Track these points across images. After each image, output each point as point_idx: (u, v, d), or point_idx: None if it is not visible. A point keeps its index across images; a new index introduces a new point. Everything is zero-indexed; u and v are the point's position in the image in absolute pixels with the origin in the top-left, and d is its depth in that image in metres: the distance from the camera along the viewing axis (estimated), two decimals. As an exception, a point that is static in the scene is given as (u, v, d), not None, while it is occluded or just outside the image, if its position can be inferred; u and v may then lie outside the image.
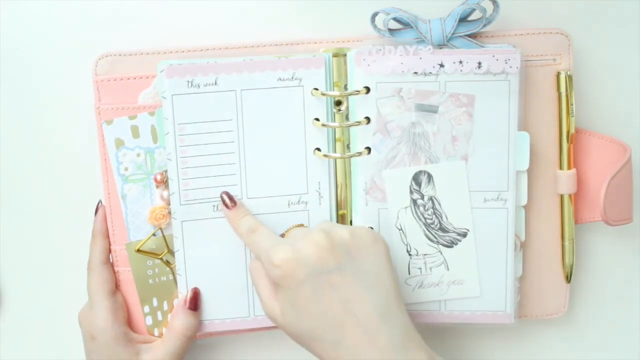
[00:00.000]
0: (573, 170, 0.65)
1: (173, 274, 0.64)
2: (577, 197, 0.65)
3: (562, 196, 0.65)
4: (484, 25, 0.62)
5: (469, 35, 0.63)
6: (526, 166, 0.64)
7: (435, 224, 0.64)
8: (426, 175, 0.64)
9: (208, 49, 0.63)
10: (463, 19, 0.62)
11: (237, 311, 0.64)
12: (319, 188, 0.63)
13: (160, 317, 0.64)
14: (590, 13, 0.65)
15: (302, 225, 0.63)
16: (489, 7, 0.62)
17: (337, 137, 0.64)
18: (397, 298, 0.56)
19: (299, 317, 0.56)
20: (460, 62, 0.62)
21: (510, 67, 0.61)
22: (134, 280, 0.64)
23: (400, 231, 0.64)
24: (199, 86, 0.61)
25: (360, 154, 0.63)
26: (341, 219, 0.65)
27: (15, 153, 0.67)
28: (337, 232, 0.56)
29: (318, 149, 0.63)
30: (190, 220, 0.62)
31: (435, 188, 0.64)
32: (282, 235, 0.61)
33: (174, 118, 0.61)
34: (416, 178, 0.64)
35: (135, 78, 0.62)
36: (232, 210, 0.62)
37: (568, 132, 0.64)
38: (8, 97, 0.66)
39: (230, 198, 0.62)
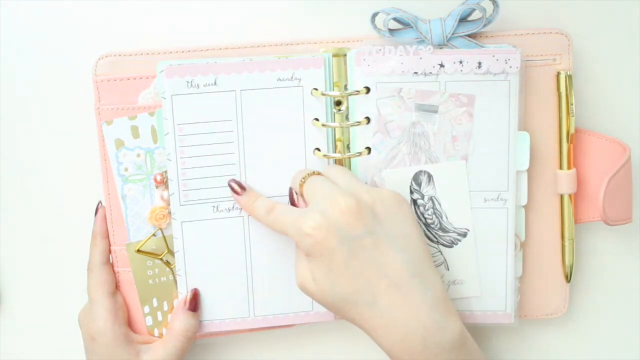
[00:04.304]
0: (573, 170, 0.64)
1: (173, 274, 0.64)
2: (577, 197, 0.65)
3: (562, 196, 0.65)
4: (484, 25, 0.62)
5: (469, 35, 0.63)
6: (526, 166, 0.63)
7: (435, 223, 0.64)
8: (426, 175, 0.64)
9: (208, 49, 0.63)
10: (463, 19, 0.62)
11: (237, 311, 0.64)
12: None
13: (160, 318, 0.64)
14: (590, 13, 0.65)
15: (318, 173, 0.61)
16: (489, 7, 0.62)
17: (337, 137, 0.63)
18: (428, 259, 0.57)
19: (333, 283, 0.56)
20: (461, 62, 0.62)
21: (510, 67, 0.61)
22: (134, 281, 0.63)
23: (401, 231, 0.64)
24: (198, 86, 0.61)
25: (360, 154, 0.63)
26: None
27: (15, 153, 0.67)
28: (361, 196, 0.57)
29: (318, 149, 0.63)
30: (190, 221, 0.62)
31: (436, 188, 0.64)
32: (301, 185, 0.60)
33: (173, 118, 0.61)
34: (416, 178, 0.64)
35: (135, 78, 0.62)
36: (242, 196, 0.62)
37: (568, 132, 0.64)
38: (7, 96, 0.66)
39: (239, 184, 0.62)
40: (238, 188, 0.62)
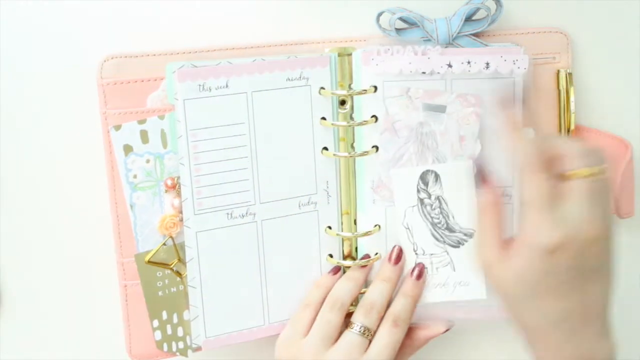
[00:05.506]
0: (573, 167, 0.66)
1: (184, 284, 0.61)
2: (576, 193, 0.67)
3: (562, 192, 0.66)
4: (489, 24, 0.63)
5: (474, 34, 0.63)
6: (530, 163, 0.64)
7: (442, 223, 0.64)
8: (433, 174, 0.63)
9: (215, 49, 0.61)
10: (467, 18, 0.63)
11: (252, 320, 0.62)
12: (327, 187, 0.63)
13: (169, 331, 0.61)
14: (590, 12, 0.67)
15: (605, 173, 0.53)
16: (492, 7, 0.62)
17: (340, 136, 0.63)
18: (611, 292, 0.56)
19: (533, 294, 0.53)
20: (469, 62, 0.62)
21: (519, 67, 0.62)
22: (143, 294, 0.61)
23: (407, 230, 0.64)
24: (210, 89, 0.59)
25: (367, 152, 0.62)
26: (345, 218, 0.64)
27: (17, 156, 0.64)
28: (607, 228, 0.53)
29: (325, 149, 0.62)
30: (204, 230, 0.60)
31: (443, 188, 0.63)
32: (587, 176, 0.52)
33: (186, 124, 0.59)
34: (423, 177, 0.63)
35: (142, 81, 0.60)
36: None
37: (568, 129, 0.65)
38: (8, 99, 0.63)
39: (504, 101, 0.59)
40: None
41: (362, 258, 0.64)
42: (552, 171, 0.54)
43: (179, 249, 0.61)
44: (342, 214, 0.64)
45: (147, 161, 0.60)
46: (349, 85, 0.62)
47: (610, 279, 0.55)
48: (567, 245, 0.52)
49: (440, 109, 0.63)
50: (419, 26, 0.62)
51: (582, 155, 0.53)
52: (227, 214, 0.60)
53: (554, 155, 0.54)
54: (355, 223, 0.64)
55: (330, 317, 0.60)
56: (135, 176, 0.60)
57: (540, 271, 0.53)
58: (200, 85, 0.58)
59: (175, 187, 0.60)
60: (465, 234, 0.64)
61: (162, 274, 0.61)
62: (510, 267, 0.54)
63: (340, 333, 0.60)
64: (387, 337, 0.60)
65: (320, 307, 0.61)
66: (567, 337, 0.54)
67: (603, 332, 0.55)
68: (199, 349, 0.62)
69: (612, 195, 0.56)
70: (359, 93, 0.62)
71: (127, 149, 0.59)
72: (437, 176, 0.64)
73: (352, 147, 0.63)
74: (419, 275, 0.63)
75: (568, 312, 0.54)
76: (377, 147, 0.62)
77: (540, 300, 0.54)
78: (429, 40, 0.62)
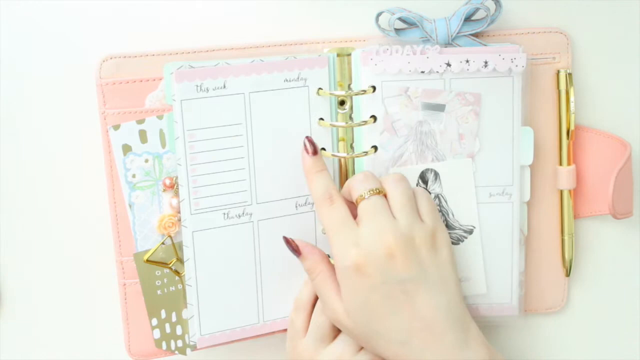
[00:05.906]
0: (572, 166, 0.66)
1: (182, 282, 0.62)
2: (576, 193, 0.67)
3: (561, 191, 0.66)
4: (489, 24, 0.63)
5: (473, 34, 0.63)
6: (530, 161, 0.64)
7: (442, 221, 0.64)
8: (433, 173, 0.64)
9: (214, 49, 0.61)
10: (466, 19, 0.63)
11: (247, 319, 0.62)
12: None
13: (168, 330, 0.62)
14: (589, 11, 0.66)
15: (384, 193, 0.58)
16: (492, 7, 0.62)
17: (340, 137, 0.63)
18: (461, 298, 0.58)
19: (367, 318, 0.56)
20: (467, 61, 0.62)
21: (517, 65, 0.62)
22: (142, 293, 0.61)
23: (407, 229, 0.64)
24: (207, 90, 0.59)
25: (366, 153, 0.62)
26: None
27: (17, 156, 0.64)
28: (414, 238, 0.56)
29: (323, 149, 0.62)
30: (201, 230, 0.60)
31: (442, 186, 0.64)
32: (360, 199, 0.58)
33: (183, 124, 0.59)
34: (423, 176, 0.64)
35: (141, 81, 0.60)
36: (311, 158, 0.60)
37: (568, 129, 0.65)
38: (7, 101, 0.63)
39: (313, 146, 0.60)
40: (309, 147, 0.60)
41: None
42: (349, 202, 0.59)
43: (177, 248, 0.61)
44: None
45: (146, 161, 0.60)
46: (349, 85, 0.62)
47: (443, 288, 0.56)
48: (369, 262, 0.55)
49: (439, 107, 0.63)
50: (418, 26, 0.62)
51: (362, 181, 0.58)
52: (224, 214, 0.61)
53: (349, 190, 0.59)
54: (355, 222, 0.64)
55: (321, 320, 0.61)
56: (134, 175, 0.60)
57: (358, 292, 0.56)
58: (197, 86, 0.59)
59: (173, 186, 0.61)
60: (465, 231, 0.64)
61: (160, 273, 0.61)
62: (342, 301, 0.57)
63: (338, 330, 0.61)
64: None
65: (312, 305, 0.62)
66: (420, 355, 0.55)
67: (462, 342, 0.55)
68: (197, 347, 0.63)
69: (411, 208, 0.58)
70: (357, 93, 0.62)
71: (126, 148, 0.60)
72: (436, 174, 0.64)
73: (352, 147, 0.63)
74: None
75: (407, 329, 0.55)
76: (376, 147, 0.63)
77: (376, 324, 0.56)
78: (428, 40, 0.63)
